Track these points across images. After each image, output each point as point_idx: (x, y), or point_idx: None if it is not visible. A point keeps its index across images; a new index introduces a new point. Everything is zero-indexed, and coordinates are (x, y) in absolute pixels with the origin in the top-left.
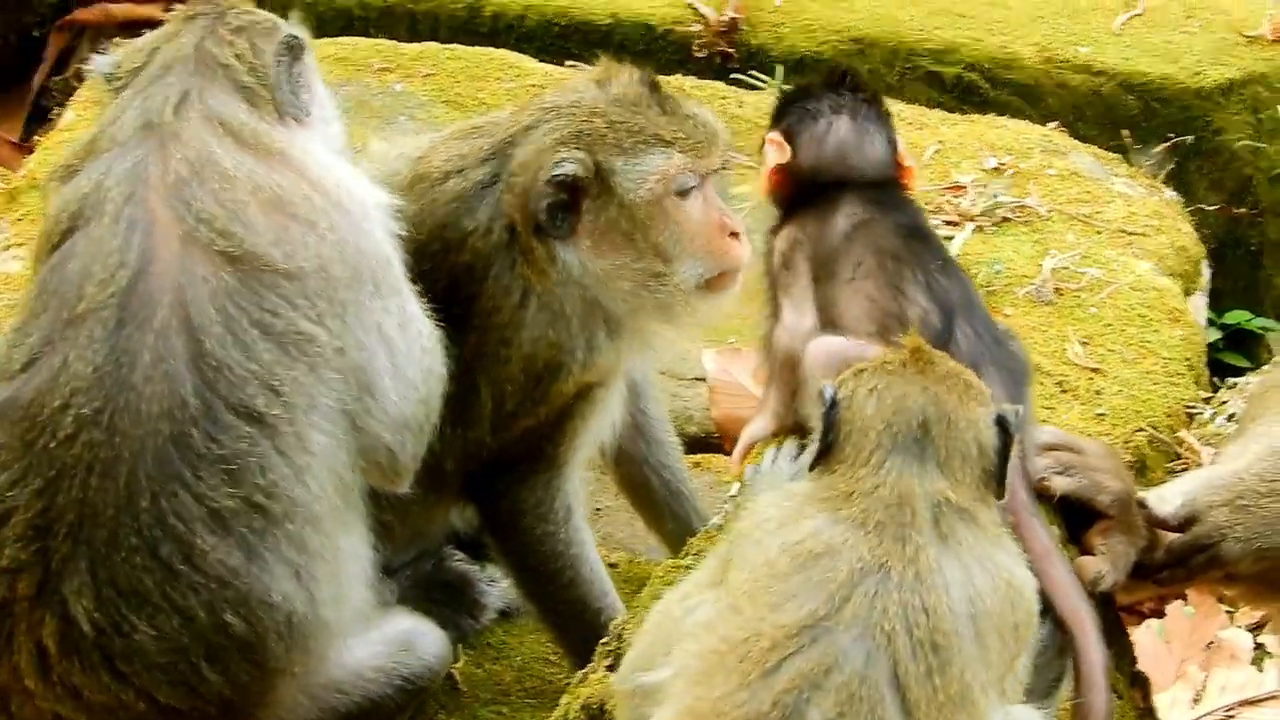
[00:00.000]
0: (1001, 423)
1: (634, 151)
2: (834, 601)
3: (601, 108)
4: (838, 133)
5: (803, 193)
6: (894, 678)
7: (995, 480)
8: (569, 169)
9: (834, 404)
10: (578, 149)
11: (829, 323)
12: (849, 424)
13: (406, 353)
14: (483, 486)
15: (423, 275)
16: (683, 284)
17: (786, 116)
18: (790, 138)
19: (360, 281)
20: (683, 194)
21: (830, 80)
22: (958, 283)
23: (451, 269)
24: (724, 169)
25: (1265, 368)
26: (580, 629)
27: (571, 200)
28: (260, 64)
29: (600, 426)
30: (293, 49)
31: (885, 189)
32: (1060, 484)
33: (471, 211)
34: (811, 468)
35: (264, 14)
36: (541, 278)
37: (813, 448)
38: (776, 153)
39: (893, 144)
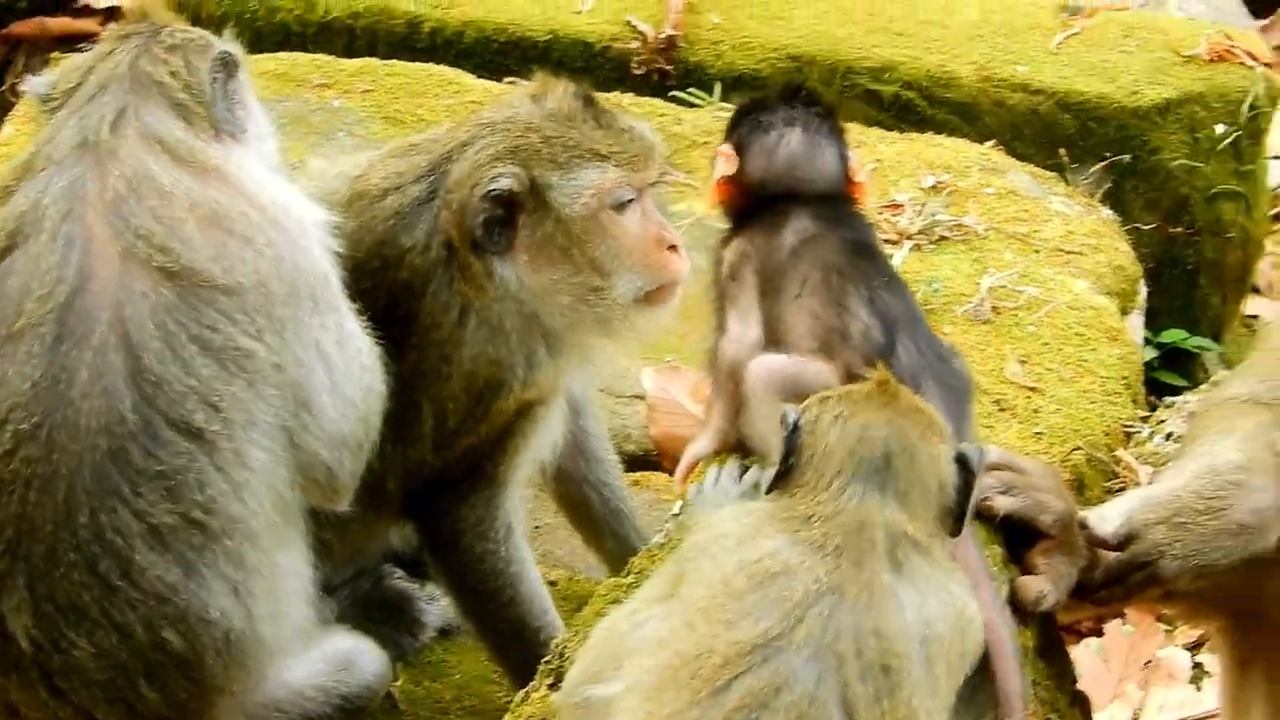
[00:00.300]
0: (962, 461)
1: (569, 166)
2: (788, 621)
3: (536, 123)
4: (788, 145)
5: (753, 205)
6: (842, 700)
7: (954, 518)
8: (503, 184)
9: (796, 428)
10: (512, 164)
11: (774, 339)
12: (812, 448)
13: (345, 370)
14: (423, 505)
15: (362, 293)
16: (621, 298)
17: (739, 128)
18: (740, 149)
19: (298, 298)
20: (619, 208)
21: (784, 93)
22: (901, 299)
23: (390, 286)
24: (661, 182)
25: (1203, 387)
26: (520, 647)
27: (507, 216)
28: (195, 81)
29: (542, 444)
30: (227, 65)
31: (835, 204)
32: (1003, 504)
33: (409, 228)
34: (770, 490)
35: (198, 31)
36: (480, 294)
37: (760, 469)
38: (725, 164)
39: (844, 159)
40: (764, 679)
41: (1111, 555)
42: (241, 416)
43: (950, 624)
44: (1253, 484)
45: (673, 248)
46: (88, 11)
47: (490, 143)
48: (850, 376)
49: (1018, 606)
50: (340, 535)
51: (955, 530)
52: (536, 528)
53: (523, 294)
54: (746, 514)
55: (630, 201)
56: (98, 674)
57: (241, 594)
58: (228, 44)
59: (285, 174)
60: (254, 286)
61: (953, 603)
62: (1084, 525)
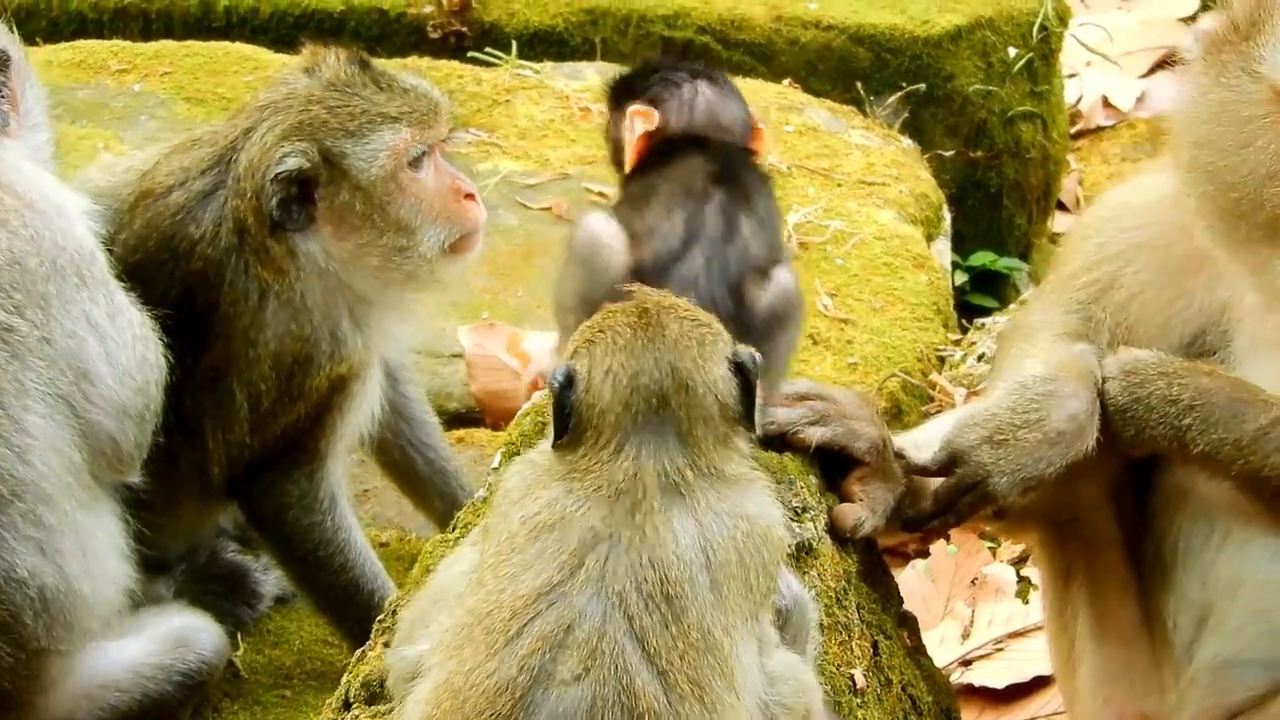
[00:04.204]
0: (740, 369)
1: (361, 133)
2: (566, 569)
3: (318, 94)
4: (705, 96)
5: (653, 155)
6: (631, 631)
7: (743, 422)
8: (292, 164)
9: (567, 384)
10: (300, 141)
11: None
12: (589, 409)
13: (118, 340)
14: (246, 484)
15: (154, 286)
16: (427, 252)
17: (645, 90)
18: (657, 104)
19: (61, 274)
20: (414, 165)
21: (672, 56)
22: (731, 223)
23: (184, 278)
24: (451, 136)
25: (1011, 307)
26: (355, 612)
27: (303, 192)
28: None
29: (359, 418)
30: None
31: (731, 152)
32: (815, 434)
33: (197, 220)
34: (555, 446)
35: None
36: (279, 275)
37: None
38: (644, 121)
39: (746, 107)
40: (552, 622)
41: (938, 481)
42: (9, 385)
43: (737, 546)
44: (1063, 391)
45: (469, 196)
46: None
47: (274, 124)
48: (637, 271)
49: (836, 534)
50: (173, 525)
51: (751, 429)
52: (365, 491)
53: (330, 264)
54: (531, 466)
55: (423, 157)
56: None
57: (48, 552)
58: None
59: (55, 165)
60: (7, 265)
61: (739, 525)
62: (900, 455)
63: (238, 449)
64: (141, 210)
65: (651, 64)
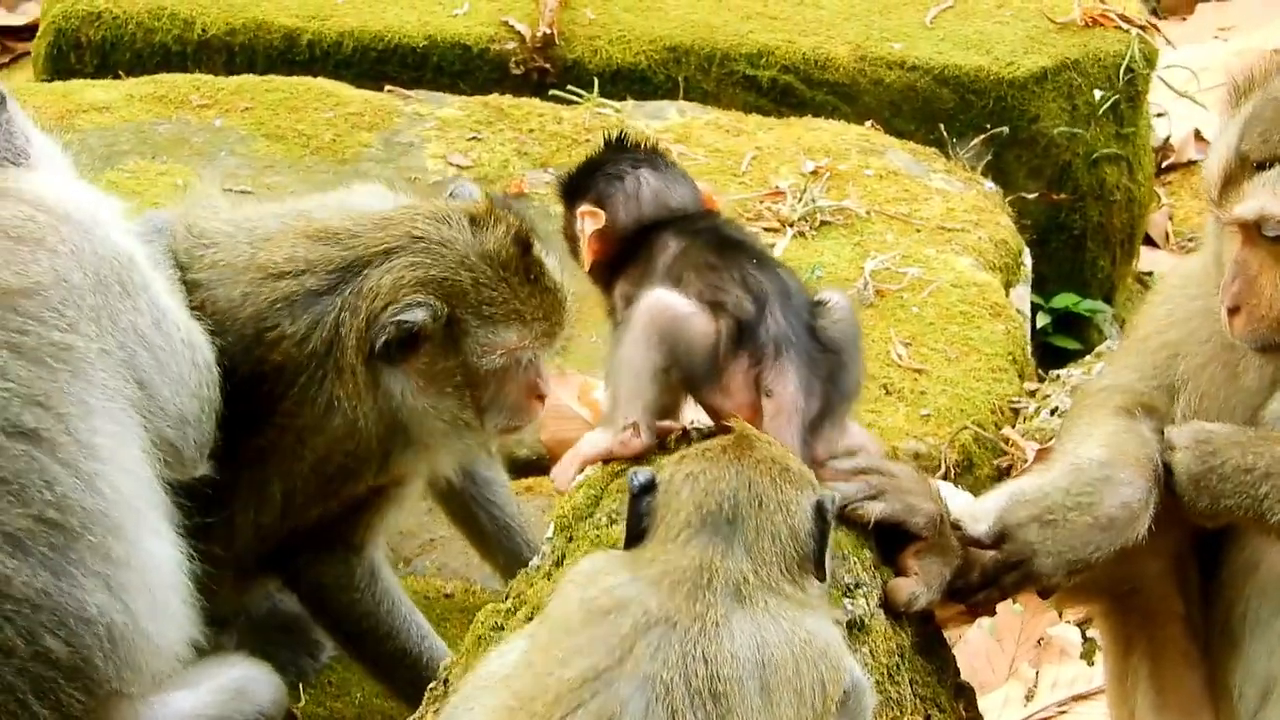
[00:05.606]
0: (820, 509)
1: (492, 320)
2: (616, 654)
3: (472, 260)
4: (649, 184)
5: (622, 251)
6: None
7: (813, 563)
8: (419, 317)
9: (643, 491)
10: (435, 297)
11: None
12: (665, 507)
13: (167, 348)
14: (283, 561)
15: (227, 351)
16: (488, 431)
17: (590, 188)
18: (602, 203)
19: (105, 284)
20: (517, 365)
21: (612, 144)
22: (773, 276)
23: (259, 361)
24: (564, 348)
25: (1087, 358)
26: (405, 674)
27: (411, 339)
28: None
29: (399, 517)
30: None
31: (693, 218)
32: (874, 509)
33: (294, 316)
34: (626, 547)
35: None
36: (354, 397)
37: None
38: (593, 221)
39: (693, 184)
40: (593, 713)
41: (987, 555)
42: (75, 409)
43: (795, 652)
44: (1119, 478)
45: (540, 398)
46: None
47: (417, 262)
48: (727, 336)
49: (890, 609)
50: (222, 581)
51: (820, 575)
52: (431, 540)
53: (400, 409)
54: (605, 556)
55: (529, 362)
56: None
57: (115, 588)
58: None
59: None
60: (54, 284)
61: (799, 633)
62: (957, 526)
63: (269, 531)
64: (248, 279)
65: (595, 159)
